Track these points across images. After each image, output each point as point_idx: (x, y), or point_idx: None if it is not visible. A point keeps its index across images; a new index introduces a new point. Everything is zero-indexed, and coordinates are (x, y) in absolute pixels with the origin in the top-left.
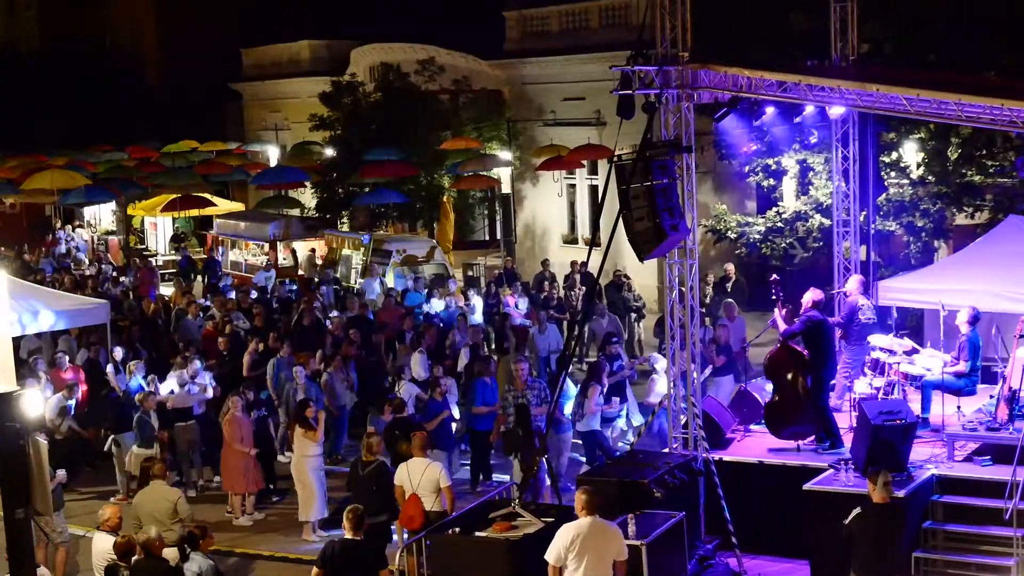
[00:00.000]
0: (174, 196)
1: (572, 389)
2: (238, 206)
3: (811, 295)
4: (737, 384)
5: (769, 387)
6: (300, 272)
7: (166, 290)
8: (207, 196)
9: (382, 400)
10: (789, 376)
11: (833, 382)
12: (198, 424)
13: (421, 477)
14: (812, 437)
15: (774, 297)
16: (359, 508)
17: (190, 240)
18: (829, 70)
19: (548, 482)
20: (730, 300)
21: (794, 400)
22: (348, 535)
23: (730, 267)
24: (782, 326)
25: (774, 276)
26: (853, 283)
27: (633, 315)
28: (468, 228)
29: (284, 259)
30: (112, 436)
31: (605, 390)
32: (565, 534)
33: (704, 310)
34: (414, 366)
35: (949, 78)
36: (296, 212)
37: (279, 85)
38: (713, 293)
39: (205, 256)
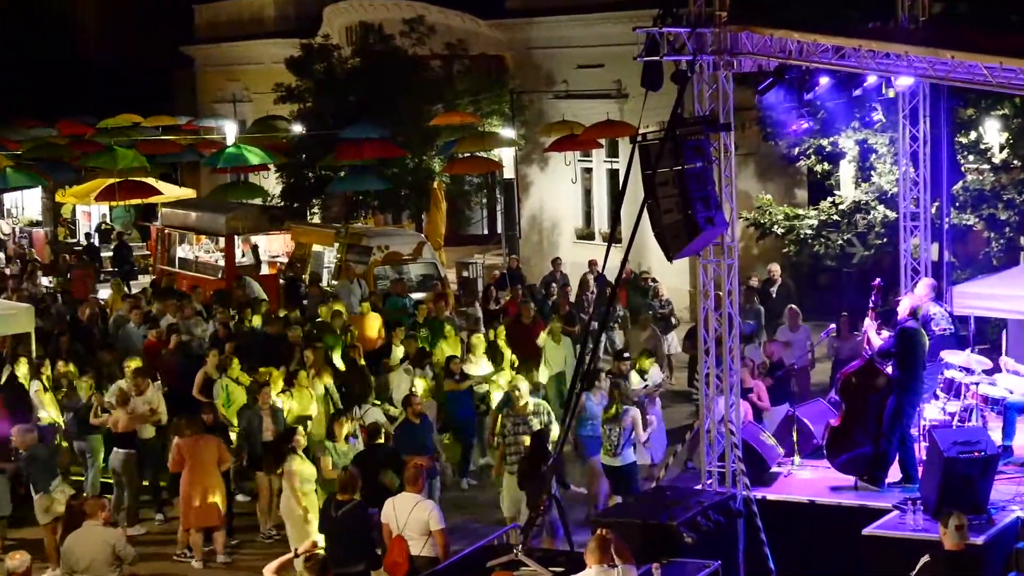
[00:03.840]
0: (112, 181)
1: (591, 410)
2: (188, 193)
3: (908, 301)
4: (786, 409)
5: (828, 407)
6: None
7: (103, 292)
8: (151, 181)
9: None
10: (865, 398)
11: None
12: (143, 451)
13: (409, 516)
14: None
15: (873, 304)
16: (320, 557)
17: (129, 233)
18: (895, 33)
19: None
20: (793, 306)
21: (864, 427)
22: None
23: (775, 268)
24: (875, 340)
25: (878, 280)
26: (923, 288)
27: (661, 325)
28: (463, 220)
29: (243, 256)
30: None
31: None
32: None
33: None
34: (398, 385)
35: None
36: (258, 200)
37: (238, 48)
38: (756, 300)
39: (148, 252)
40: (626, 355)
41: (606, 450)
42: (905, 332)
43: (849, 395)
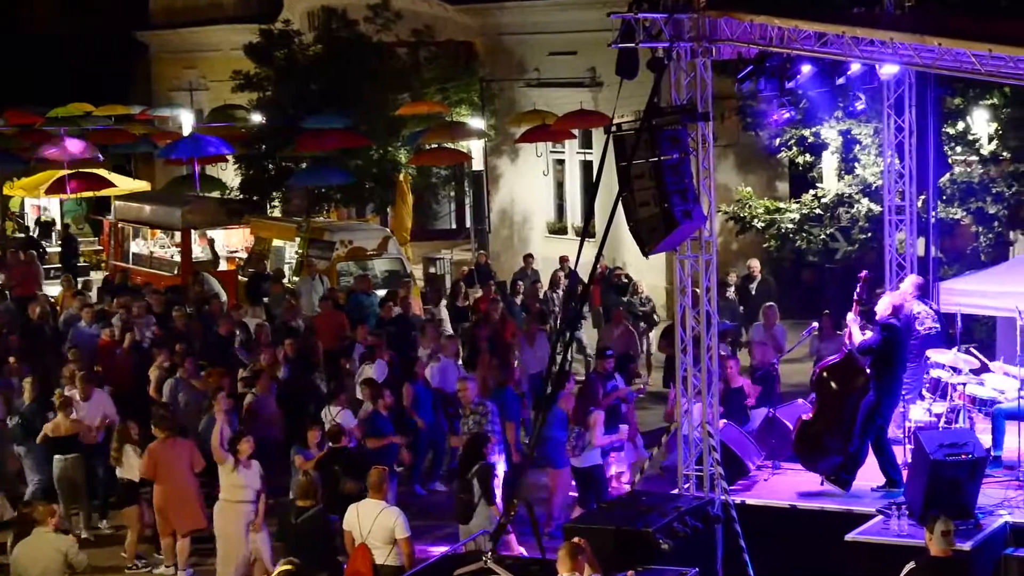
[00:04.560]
0: (62, 173)
1: (559, 414)
2: (142, 185)
3: (888, 299)
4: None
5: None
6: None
7: (52, 290)
8: (103, 173)
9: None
10: (840, 395)
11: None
12: (88, 457)
13: (373, 523)
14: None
15: (858, 296)
16: (295, 562)
17: (81, 227)
18: (880, 19)
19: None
20: (771, 303)
21: (838, 426)
22: None
23: (755, 264)
24: (857, 335)
25: (865, 272)
26: (908, 285)
27: (641, 324)
28: (430, 214)
29: (200, 251)
30: None
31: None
32: None
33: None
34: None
35: None
36: (215, 193)
37: (195, 34)
38: (735, 296)
39: (101, 247)
40: (608, 352)
41: (569, 452)
42: (886, 330)
43: (824, 390)
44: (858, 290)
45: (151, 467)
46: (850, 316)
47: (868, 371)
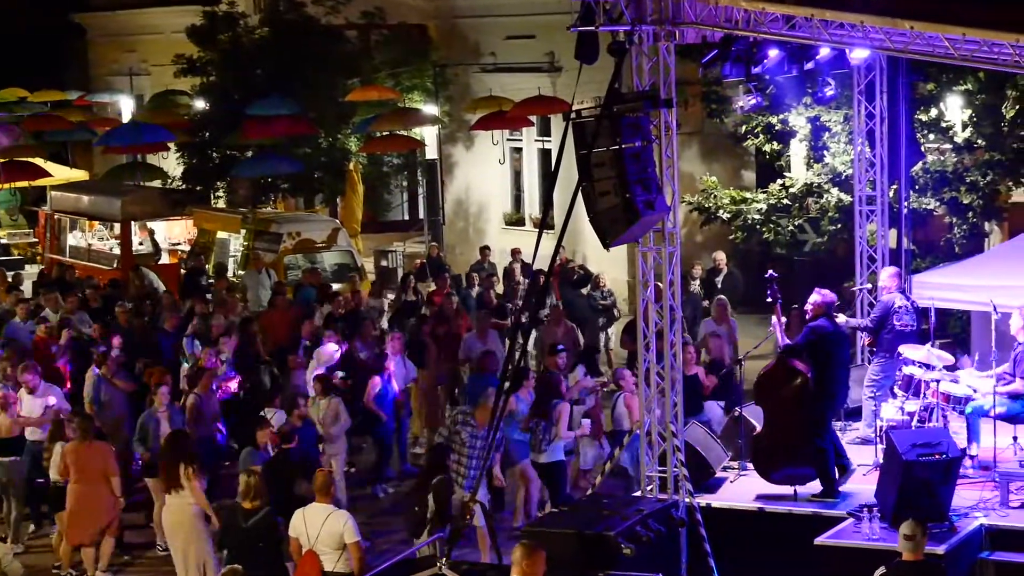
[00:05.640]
0: None
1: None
2: (80, 175)
3: (819, 298)
4: (731, 409)
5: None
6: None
7: None
8: (39, 162)
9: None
10: (785, 402)
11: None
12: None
13: (321, 528)
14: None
15: (770, 299)
16: (238, 570)
17: (15, 218)
18: (850, 1)
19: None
20: (722, 297)
21: (789, 433)
22: None
23: (720, 256)
24: (781, 338)
25: (770, 272)
26: (887, 277)
27: (601, 319)
28: (382, 205)
29: (141, 243)
30: None
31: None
32: None
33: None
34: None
35: (1006, 14)
36: (157, 183)
37: (134, 16)
38: (700, 290)
39: (36, 239)
40: (559, 347)
41: (533, 447)
42: (815, 332)
43: (766, 400)
44: (769, 292)
45: (63, 468)
46: (773, 319)
47: (804, 370)
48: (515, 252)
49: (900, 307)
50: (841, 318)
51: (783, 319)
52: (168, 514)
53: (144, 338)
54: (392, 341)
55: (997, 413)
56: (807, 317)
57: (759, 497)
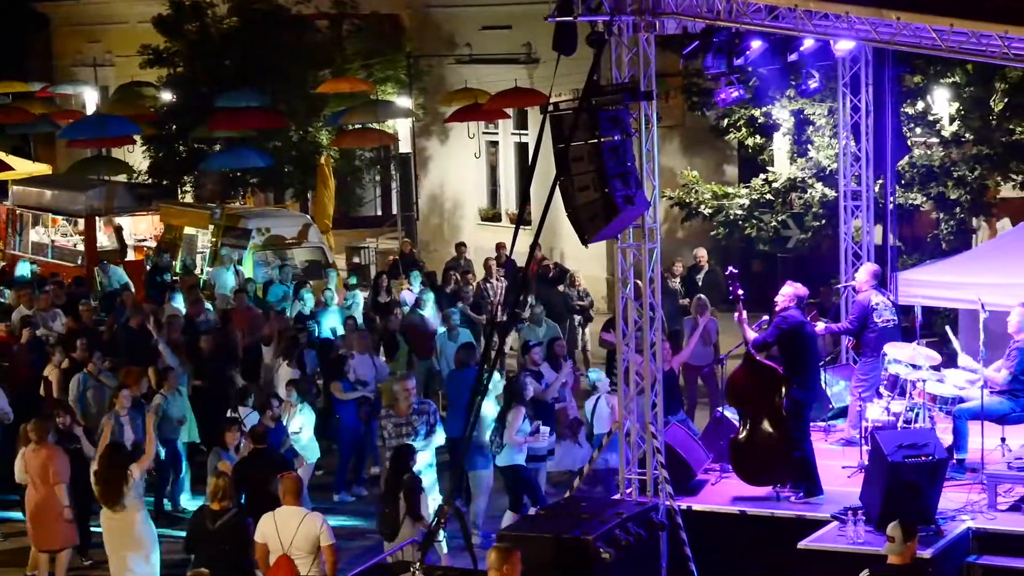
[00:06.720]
0: None
1: (492, 413)
2: (43, 168)
3: (791, 289)
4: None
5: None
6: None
7: None
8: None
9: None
10: (759, 402)
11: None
12: None
13: (295, 533)
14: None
15: (731, 297)
16: (205, 573)
17: None
18: None
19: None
20: (701, 296)
21: (767, 434)
22: None
23: (702, 253)
24: (750, 334)
25: (730, 269)
26: (864, 275)
27: (577, 317)
28: (354, 200)
29: (106, 240)
30: None
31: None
32: None
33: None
34: (282, 382)
35: (994, 4)
36: (122, 177)
37: (99, 5)
38: (680, 287)
39: None
40: (532, 344)
41: (491, 448)
42: (785, 323)
43: (740, 402)
44: (731, 289)
45: (21, 473)
46: (735, 316)
47: (775, 366)
48: (499, 247)
49: (878, 303)
50: (820, 326)
51: (745, 314)
52: (108, 531)
53: (111, 336)
54: (358, 340)
55: (985, 412)
56: (776, 309)
57: (741, 500)
